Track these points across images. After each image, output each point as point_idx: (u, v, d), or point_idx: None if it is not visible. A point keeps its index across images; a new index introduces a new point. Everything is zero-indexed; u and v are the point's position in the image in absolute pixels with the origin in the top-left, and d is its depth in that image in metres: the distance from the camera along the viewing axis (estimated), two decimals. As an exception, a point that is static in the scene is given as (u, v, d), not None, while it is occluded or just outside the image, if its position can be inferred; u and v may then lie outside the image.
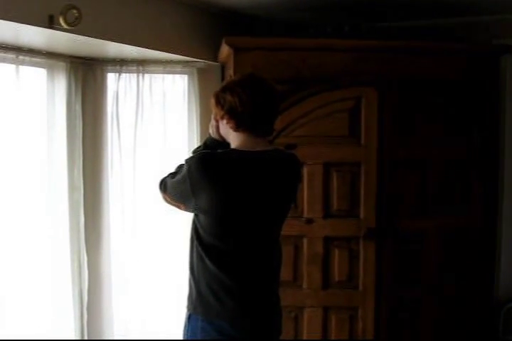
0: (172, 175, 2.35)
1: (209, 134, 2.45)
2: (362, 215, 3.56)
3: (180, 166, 2.32)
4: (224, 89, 2.27)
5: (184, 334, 2.32)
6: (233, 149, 2.29)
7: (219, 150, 2.27)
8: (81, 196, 3.83)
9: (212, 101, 2.30)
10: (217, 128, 2.37)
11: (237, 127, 2.25)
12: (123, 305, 4.00)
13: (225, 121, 2.27)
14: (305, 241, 3.54)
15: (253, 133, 2.26)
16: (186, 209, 2.31)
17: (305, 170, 3.49)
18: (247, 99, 2.20)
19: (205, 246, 2.23)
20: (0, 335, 3.31)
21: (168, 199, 2.36)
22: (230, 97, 2.22)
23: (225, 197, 2.18)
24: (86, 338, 3.86)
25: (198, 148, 2.52)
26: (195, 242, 2.26)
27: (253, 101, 2.21)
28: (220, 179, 2.17)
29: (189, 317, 2.29)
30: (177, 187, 2.27)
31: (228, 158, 2.23)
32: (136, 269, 3.98)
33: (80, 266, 3.83)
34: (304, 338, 3.58)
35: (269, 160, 2.29)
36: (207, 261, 2.22)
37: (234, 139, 2.30)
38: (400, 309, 3.64)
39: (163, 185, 2.38)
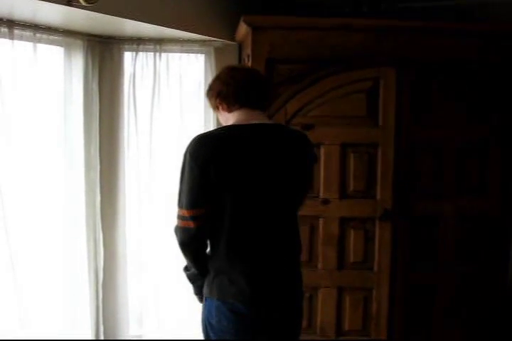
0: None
1: None
2: (378, 196, 3.55)
3: None
4: (209, 85, 2.46)
5: (202, 313, 2.36)
6: (226, 125, 2.35)
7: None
8: (97, 175, 3.84)
9: (208, 102, 2.47)
10: None
11: (229, 106, 2.34)
12: (138, 283, 4.03)
13: (220, 108, 2.37)
14: (321, 221, 3.54)
15: (246, 107, 2.32)
16: (206, 210, 2.22)
17: (322, 151, 3.48)
18: (227, 77, 2.35)
19: (219, 230, 2.25)
20: (14, 314, 3.34)
21: (186, 213, 2.23)
22: (214, 84, 2.41)
23: (233, 170, 2.18)
24: (101, 315, 3.90)
25: None
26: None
27: (233, 77, 2.34)
28: (223, 153, 2.17)
29: (205, 299, 2.34)
30: (189, 183, 2.20)
31: (223, 132, 2.28)
32: (152, 247, 3.99)
33: (95, 245, 3.86)
34: (318, 318, 3.60)
35: (266, 131, 2.31)
36: (221, 245, 2.25)
37: (232, 119, 2.34)
38: (414, 291, 3.64)
39: (178, 201, 2.28)
